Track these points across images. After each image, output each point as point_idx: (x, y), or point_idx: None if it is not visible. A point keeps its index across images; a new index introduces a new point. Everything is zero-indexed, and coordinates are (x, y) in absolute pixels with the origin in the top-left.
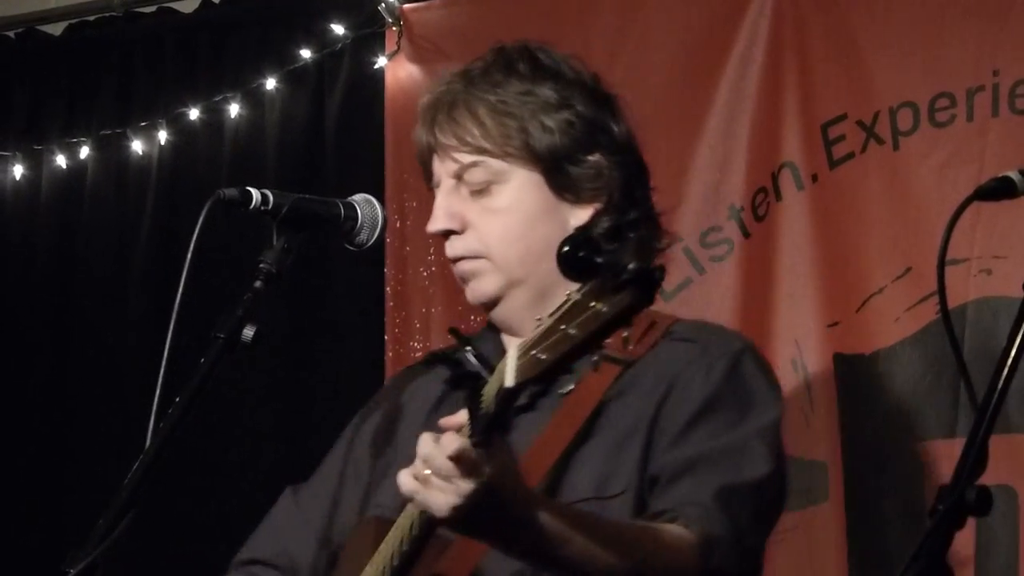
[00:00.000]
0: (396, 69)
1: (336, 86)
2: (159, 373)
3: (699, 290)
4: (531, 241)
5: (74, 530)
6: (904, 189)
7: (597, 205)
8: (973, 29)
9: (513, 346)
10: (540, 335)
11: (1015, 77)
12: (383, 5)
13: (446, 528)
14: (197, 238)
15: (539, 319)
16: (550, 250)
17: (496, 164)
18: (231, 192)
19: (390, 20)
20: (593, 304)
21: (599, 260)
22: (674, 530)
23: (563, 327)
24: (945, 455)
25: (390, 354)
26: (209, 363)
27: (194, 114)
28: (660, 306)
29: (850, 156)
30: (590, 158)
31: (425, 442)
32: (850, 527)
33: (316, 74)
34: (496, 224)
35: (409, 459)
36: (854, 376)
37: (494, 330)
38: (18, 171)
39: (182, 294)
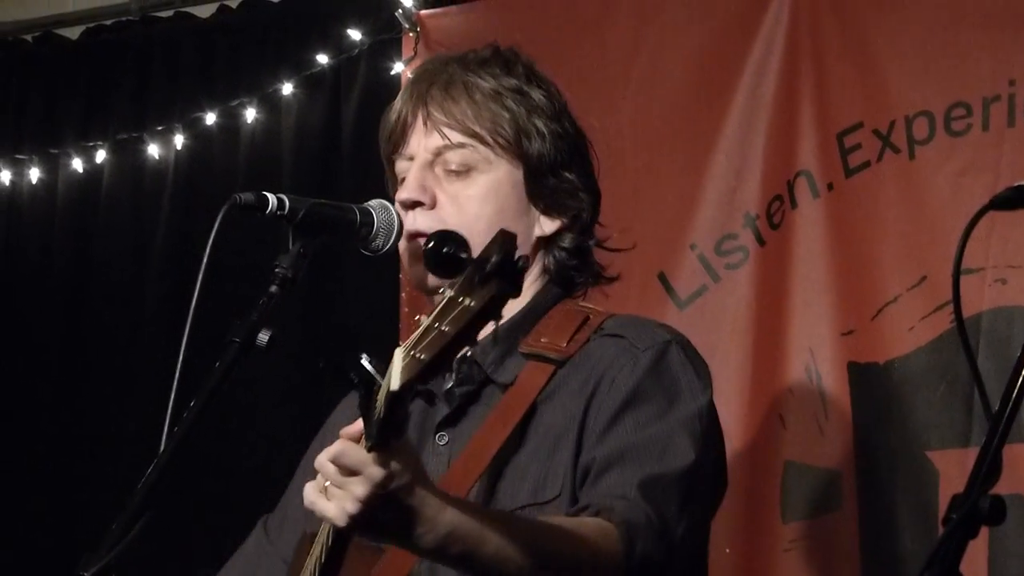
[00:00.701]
0: None
1: (353, 91)
2: (174, 377)
3: (714, 298)
4: None
5: (88, 533)
6: (919, 198)
7: (564, 220)
8: (989, 39)
9: (398, 351)
10: (419, 334)
11: None
12: (400, 11)
13: (356, 535)
14: (213, 242)
15: (418, 318)
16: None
17: (483, 151)
18: (247, 196)
19: (407, 26)
20: (462, 299)
21: (463, 256)
22: (596, 523)
23: (437, 325)
24: (959, 464)
25: None
26: (224, 367)
27: (211, 118)
28: (674, 314)
29: (866, 165)
30: (568, 175)
31: (323, 452)
32: (863, 535)
33: (333, 79)
34: (469, 210)
35: None
36: (868, 385)
37: None
38: (35, 175)
39: (197, 298)
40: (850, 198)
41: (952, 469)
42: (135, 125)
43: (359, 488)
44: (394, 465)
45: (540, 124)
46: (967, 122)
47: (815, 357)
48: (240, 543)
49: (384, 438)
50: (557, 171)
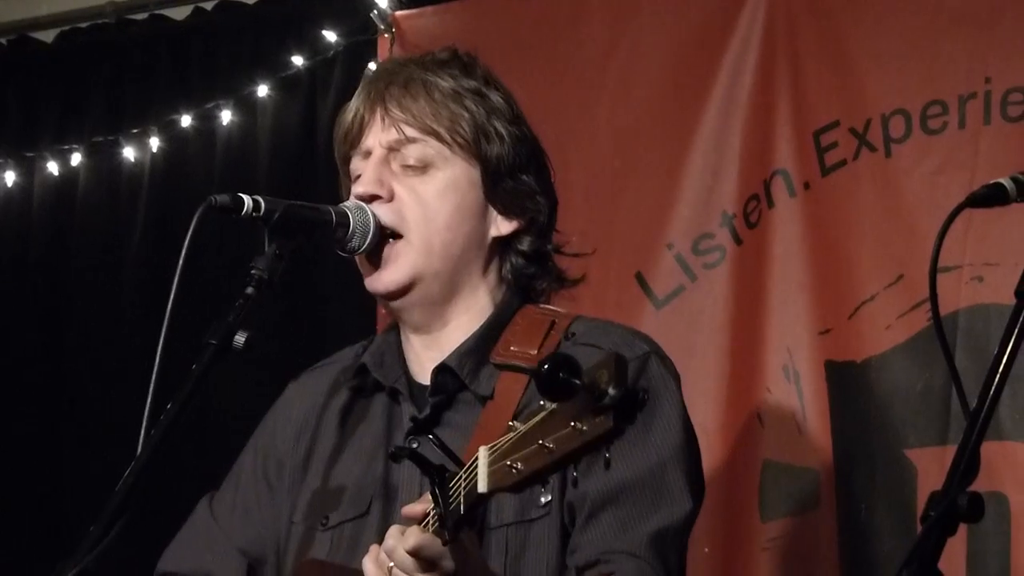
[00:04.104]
0: None
1: (328, 93)
2: (151, 379)
3: (691, 297)
4: (456, 234)
5: (65, 536)
6: (896, 196)
7: (521, 222)
8: (965, 37)
9: (483, 449)
10: (514, 442)
11: (1007, 84)
12: (375, 12)
13: None
14: (189, 245)
15: (512, 424)
16: (470, 248)
17: (441, 148)
18: (223, 198)
19: (382, 27)
20: (574, 423)
21: (577, 382)
22: None
23: (540, 440)
24: (937, 462)
25: None
26: (201, 369)
27: (186, 121)
28: (652, 314)
29: (842, 163)
30: (525, 178)
31: (391, 534)
32: (842, 534)
33: (308, 81)
34: (424, 206)
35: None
36: (846, 383)
37: (394, 334)
38: (10, 178)
39: (174, 300)
40: (827, 197)
41: (930, 467)
42: (110, 128)
43: None
44: (463, 558)
45: (499, 126)
46: (943, 120)
47: (793, 356)
48: None
49: (457, 531)
50: (515, 173)
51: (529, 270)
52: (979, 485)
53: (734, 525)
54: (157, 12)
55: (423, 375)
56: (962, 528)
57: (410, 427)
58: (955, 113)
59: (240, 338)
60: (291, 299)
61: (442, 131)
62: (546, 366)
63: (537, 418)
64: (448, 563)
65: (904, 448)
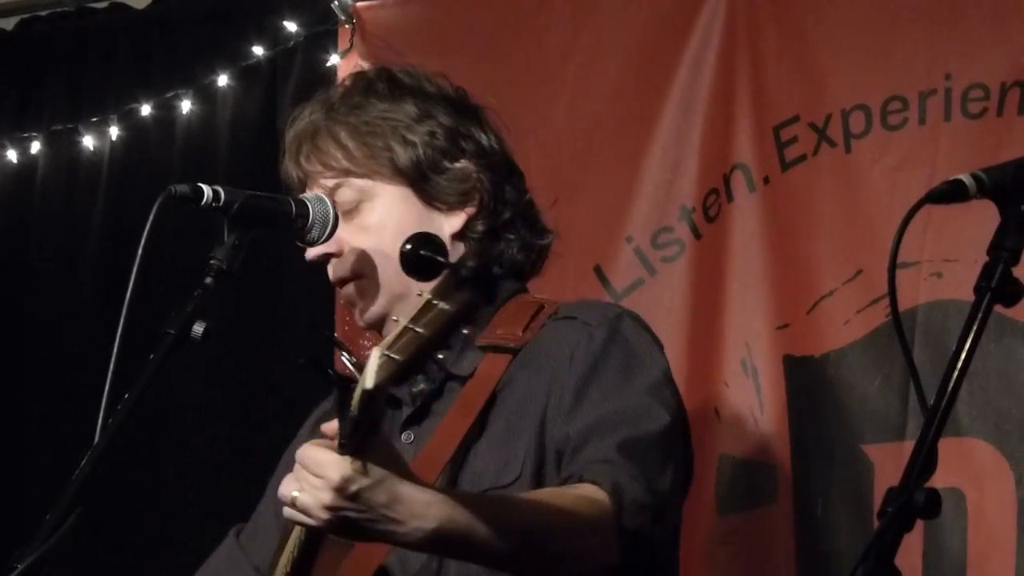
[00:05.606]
0: (348, 67)
1: (288, 83)
2: (109, 368)
3: (650, 291)
4: None
5: (22, 526)
6: (856, 191)
7: (470, 210)
8: (925, 33)
9: (375, 349)
10: (396, 336)
11: (967, 81)
12: (336, 3)
13: (330, 533)
14: (148, 234)
15: (396, 319)
16: None
17: (360, 183)
18: (182, 188)
19: (343, 18)
20: (437, 303)
21: (440, 259)
22: (583, 487)
23: (413, 326)
24: (894, 457)
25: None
26: (158, 359)
27: (146, 110)
28: None
29: (802, 158)
30: (456, 165)
31: (300, 448)
32: (799, 528)
33: (269, 71)
34: (369, 241)
35: None
36: (804, 378)
37: None
38: None
39: (132, 290)
40: (786, 191)
41: (887, 462)
42: (70, 116)
43: (325, 492)
44: (369, 465)
45: (407, 135)
46: (903, 116)
47: (751, 350)
48: (176, 534)
49: (357, 438)
50: (440, 167)
51: (493, 250)
52: (936, 481)
53: (691, 519)
54: (118, 1)
55: None
56: (919, 524)
57: (404, 420)
58: (915, 109)
59: (198, 328)
60: (247, 286)
61: (356, 168)
62: (408, 244)
63: (416, 310)
64: (339, 473)
65: (861, 443)
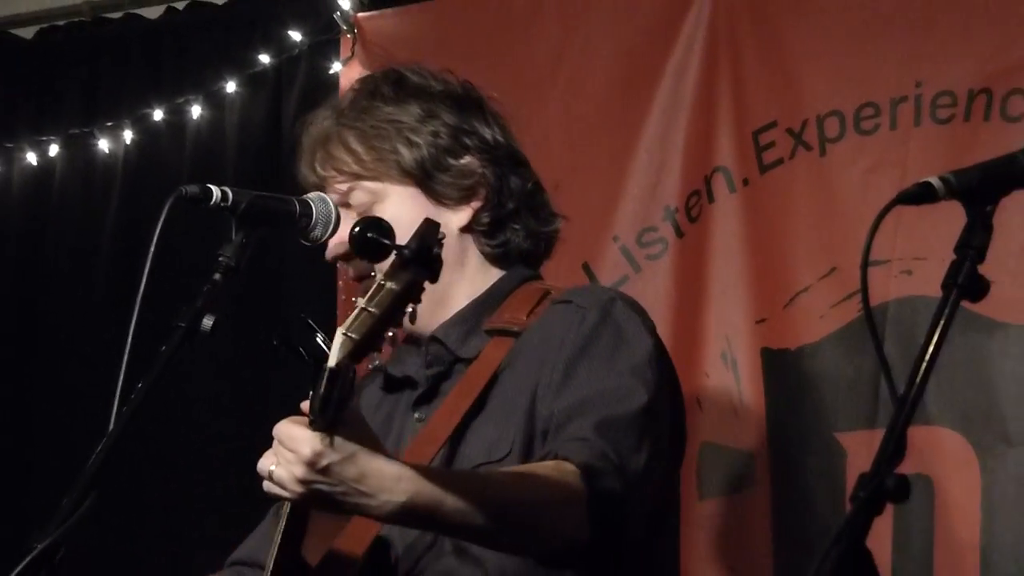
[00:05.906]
0: (350, 74)
1: (293, 89)
2: (123, 360)
3: (635, 287)
4: None
5: (38, 512)
6: (830, 193)
7: (475, 204)
8: (897, 42)
9: (339, 329)
10: (354, 317)
11: (937, 88)
12: (338, 13)
13: (310, 506)
14: (159, 232)
15: (355, 300)
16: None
17: (371, 185)
18: (192, 189)
19: (345, 28)
20: (386, 283)
21: (386, 242)
22: (555, 464)
23: (366, 307)
24: (866, 445)
25: None
26: (170, 351)
27: (158, 115)
28: None
29: (779, 162)
30: (460, 162)
31: (276, 425)
32: (775, 512)
33: (274, 78)
34: None
35: None
36: (781, 369)
37: (415, 341)
38: None
39: (145, 285)
40: (764, 193)
41: (859, 449)
42: (86, 121)
43: (297, 466)
44: (338, 440)
45: (412, 137)
46: (875, 121)
47: (731, 344)
48: (187, 519)
49: (328, 414)
50: (444, 164)
51: (499, 239)
52: (906, 467)
53: None
54: (131, 11)
55: None
56: (889, 508)
57: (414, 400)
58: (887, 115)
59: (208, 321)
60: (257, 288)
61: (365, 171)
62: (356, 228)
63: (370, 291)
64: (307, 448)
65: (835, 431)
